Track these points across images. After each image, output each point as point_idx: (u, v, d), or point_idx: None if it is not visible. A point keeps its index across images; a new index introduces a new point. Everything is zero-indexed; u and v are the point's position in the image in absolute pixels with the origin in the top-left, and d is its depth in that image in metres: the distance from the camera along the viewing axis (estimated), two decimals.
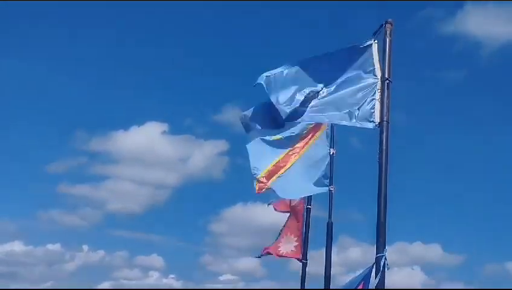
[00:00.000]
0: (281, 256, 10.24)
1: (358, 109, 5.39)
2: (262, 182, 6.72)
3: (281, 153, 7.02)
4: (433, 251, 27.39)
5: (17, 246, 30.42)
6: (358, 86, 5.46)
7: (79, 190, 32.60)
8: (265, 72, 5.64)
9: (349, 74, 5.52)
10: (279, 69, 5.64)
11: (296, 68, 5.63)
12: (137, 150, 31.03)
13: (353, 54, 5.56)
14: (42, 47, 35.38)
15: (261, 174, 6.71)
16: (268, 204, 10.23)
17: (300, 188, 8.14)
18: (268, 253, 10.35)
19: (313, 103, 5.48)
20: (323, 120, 5.98)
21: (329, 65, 5.64)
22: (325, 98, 5.50)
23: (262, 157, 6.72)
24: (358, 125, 5.42)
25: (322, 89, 5.52)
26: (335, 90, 5.51)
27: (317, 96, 5.53)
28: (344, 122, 5.48)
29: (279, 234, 10.32)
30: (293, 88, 5.50)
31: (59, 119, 35.46)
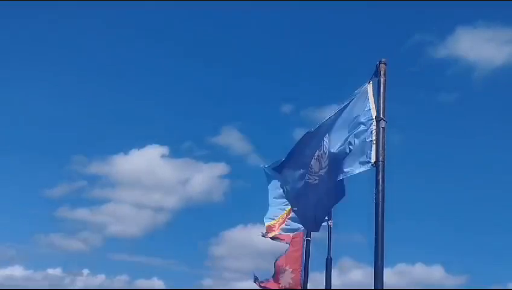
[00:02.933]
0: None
1: (357, 155, 5.46)
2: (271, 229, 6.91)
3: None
4: (435, 272, 27.21)
5: (17, 271, 30.27)
6: (355, 132, 5.53)
7: (78, 214, 32.59)
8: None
9: (348, 122, 5.62)
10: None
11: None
12: (136, 173, 31.08)
13: (350, 101, 5.68)
14: (39, 69, 35.65)
15: (271, 222, 6.89)
16: (263, 235, 10.17)
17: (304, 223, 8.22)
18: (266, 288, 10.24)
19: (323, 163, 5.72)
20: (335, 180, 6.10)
21: (331, 122, 5.85)
22: (329, 157, 5.69)
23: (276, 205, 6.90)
24: (359, 171, 5.50)
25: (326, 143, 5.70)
26: (336, 144, 5.67)
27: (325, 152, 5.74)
28: (345, 175, 5.58)
29: (275, 265, 10.20)
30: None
31: (57, 144, 35.59)
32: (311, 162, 5.86)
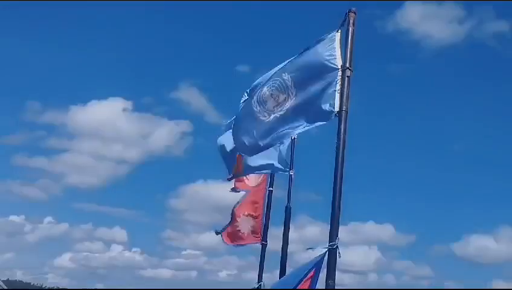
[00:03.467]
0: (239, 244, 10.26)
1: (321, 106, 5.45)
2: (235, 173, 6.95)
3: None
4: (386, 231, 28.16)
5: None
6: (321, 81, 5.48)
7: (36, 163, 32.13)
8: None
9: (313, 68, 5.57)
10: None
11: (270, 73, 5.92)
12: (96, 124, 30.70)
13: (318, 49, 5.60)
14: None
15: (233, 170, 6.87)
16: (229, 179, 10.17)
17: (266, 166, 8.23)
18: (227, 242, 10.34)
19: (280, 111, 5.68)
20: (291, 134, 6.04)
21: (293, 61, 5.77)
22: (290, 106, 5.63)
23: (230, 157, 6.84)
24: (321, 123, 5.50)
25: (285, 81, 5.64)
26: (300, 93, 5.63)
27: (287, 101, 5.70)
28: (308, 127, 5.60)
29: (233, 214, 10.26)
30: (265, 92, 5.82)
31: (11, 89, 34.60)
32: (265, 98, 5.85)
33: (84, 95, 35.40)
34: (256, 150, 6.07)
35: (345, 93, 5.38)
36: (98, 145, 31.95)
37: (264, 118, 5.78)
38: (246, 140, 6.01)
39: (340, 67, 5.43)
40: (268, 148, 6.06)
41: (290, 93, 5.66)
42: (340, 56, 5.47)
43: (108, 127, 31.39)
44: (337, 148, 5.29)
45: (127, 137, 31.93)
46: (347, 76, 5.40)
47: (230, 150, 6.68)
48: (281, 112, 5.68)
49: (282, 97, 5.70)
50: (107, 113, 30.91)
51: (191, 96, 30.81)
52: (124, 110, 31.52)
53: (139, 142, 32.06)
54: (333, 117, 5.38)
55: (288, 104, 5.67)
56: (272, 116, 5.72)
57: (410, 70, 31.60)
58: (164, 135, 32.15)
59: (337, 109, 5.37)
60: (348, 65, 5.42)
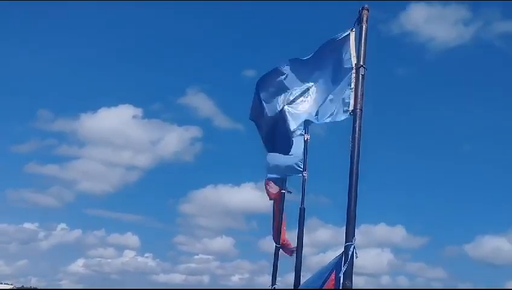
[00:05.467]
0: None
1: (337, 103, 5.45)
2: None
3: None
4: (397, 233, 27.99)
5: None
6: (337, 78, 5.50)
7: (48, 170, 32.27)
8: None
9: (330, 68, 5.59)
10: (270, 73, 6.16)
11: (284, 71, 6.11)
12: (107, 132, 30.83)
13: (333, 48, 5.64)
14: (5, 22, 34.54)
15: None
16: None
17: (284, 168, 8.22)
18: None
19: (299, 105, 5.90)
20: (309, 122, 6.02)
21: (313, 65, 5.89)
22: (309, 101, 5.66)
23: None
24: (337, 119, 5.50)
25: (307, 89, 5.68)
26: (318, 91, 5.74)
27: (304, 96, 5.87)
28: (326, 120, 5.65)
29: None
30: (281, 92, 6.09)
31: (23, 98, 34.81)
32: (288, 95, 5.92)
33: (94, 102, 35.74)
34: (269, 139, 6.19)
35: (359, 91, 5.35)
36: (108, 152, 32.13)
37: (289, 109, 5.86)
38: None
39: (354, 66, 5.40)
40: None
41: (308, 94, 5.75)
42: (354, 55, 5.44)
43: (118, 134, 31.58)
44: (352, 145, 5.25)
45: (137, 143, 32.15)
46: (361, 74, 5.37)
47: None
48: (295, 109, 5.73)
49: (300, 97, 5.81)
50: (117, 120, 31.10)
51: (199, 101, 31.09)
52: (134, 117, 31.68)
53: (149, 149, 32.26)
54: (348, 116, 5.34)
55: (305, 101, 5.71)
56: (286, 107, 5.81)
57: (418, 72, 31.59)
58: (174, 140, 32.34)
59: (351, 107, 5.33)
60: (362, 63, 5.38)
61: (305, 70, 5.83)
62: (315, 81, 5.72)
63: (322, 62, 5.67)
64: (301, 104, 5.78)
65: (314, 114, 5.65)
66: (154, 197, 33.88)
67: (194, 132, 32.19)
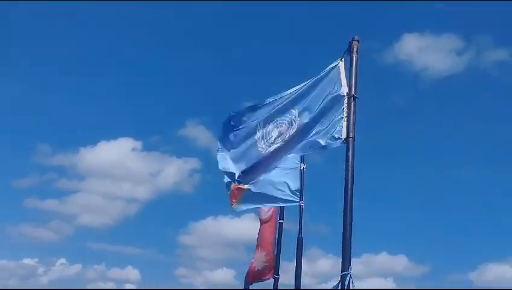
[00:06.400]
0: (254, 281, 10.13)
1: (327, 131, 5.47)
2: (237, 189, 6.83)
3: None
4: (399, 262, 27.71)
5: None
6: (327, 107, 5.54)
7: (47, 204, 32.15)
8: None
9: (319, 97, 5.62)
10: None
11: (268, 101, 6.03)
12: (106, 164, 30.88)
13: (323, 79, 5.70)
14: (4, 55, 34.88)
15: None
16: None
17: (272, 199, 8.18)
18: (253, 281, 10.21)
19: (286, 133, 5.72)
20: (297, 153, 6.06)
21: (301, 95, 5.82)
22: (297, 129, 5.65)
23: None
24: (329, 147, 5.51)
25: (295, 117, 5.70)
26: (305, 118, 5.67)
27: (292, 125, 5.71)
28: (316, 150, 5.64)
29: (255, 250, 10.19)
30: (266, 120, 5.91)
31: (21, 132, 34.93)
32: (269, 130, 5.89)
33: (94, 136, 35.70)
34: (254, 178, 6.09)
35: (351, 120, 5.41)
36: (108, 185, 31.98)
37: (262, 150, 5.82)
38: (244, 167, 6.06)
39: (346, 94, 5.48)
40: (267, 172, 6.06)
41: (294, 123, 5.72)
42: (345, 84, 5.53)
43: (118, 167, 31.50)
44: (346, 174, 5.28)
45: (136, 176, 32.06)
46: (353, 103, 5.44)
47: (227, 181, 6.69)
48: (283, 143, 5.73)
49: (285, 128, 5.77)
50: (116, 153, 31.09)
51: (198, 133, 31.11)
52: (133, 149, 31.69)
53: (148, 181, 32.16)
54: (340, 144, 5.39)
55: (292, 132, 5.71)
56: (273, 147, 5.77)
57: (413, 101, 31.74)
58: (173, 172, 32.26)
59: (344, 136, 5.39)
60: (353, 92, 5.47)
61: (286, 103, 5.86)
62: (301, 112, 5.74)
63: (309, 93, 5.73)
64: (285, 133, 5.75)
65: (304, 145, 5.64)
66: (154, 229, 33.64)
67: (193, 163, 32.21)
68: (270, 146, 5.77)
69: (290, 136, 5.68)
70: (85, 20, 34.67)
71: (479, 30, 31.48)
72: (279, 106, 5.87)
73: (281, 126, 5.79)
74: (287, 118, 5.78)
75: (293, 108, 5.75)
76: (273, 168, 5.87)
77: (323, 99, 5.59)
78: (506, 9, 29.75)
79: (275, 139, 5.77)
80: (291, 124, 5.71)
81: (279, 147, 5.74)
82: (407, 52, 29.14)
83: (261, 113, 6.05)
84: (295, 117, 5.70)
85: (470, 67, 29.54)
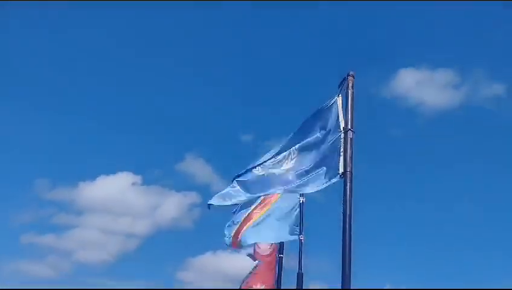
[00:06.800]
0: None
1: (326, 167, 5.51)
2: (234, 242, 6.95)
3: (249, 209, 7.19)
4: None
5: None
6: (325, 142, 5.60)
7: (45, 240, 31.89)
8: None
9: (317, 133, 5.69)
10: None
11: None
12: (105, 199, 30.83)
13: (320, 116, 5.76)
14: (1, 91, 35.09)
15: (231, 239, 6.93)
16: (248, 254, 10.07)
17: (272, 235, 8.19)
18: None
19: (285, 171, 5.68)
20: (297, 191, 6.05)
21: (299, 132, 5.85)
22: (294, 166, 5.67)
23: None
24: (329, 184, 5.53)
25: (293, 155, 5.72)
26: (304, 155, 5.69)
27: (289, 160, 5.72)
28: (316, 188, 5.58)
29: (244, 282, 10.13)
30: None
31: (20, 167, 34.90)
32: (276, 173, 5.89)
33: (93, 171, 35.71)
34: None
35: (348, 154, 5.46)
36: (106, 220, 31.84)
37: (257, 172, 5.80)
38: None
39: (342, 129, 5.55)
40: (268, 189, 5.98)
41: (292, 160, 5.76)
42: (342, 119, 5.61)
43: (117, 202, 31.42)
44: (344, 210, 5.31)
45: (135, 211, 31.94)
46: (350, 138, 5.50)
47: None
48: (280, 171, 5.73)
49: (285, 164, 5.80)
50: (115, 187, 31.05)
51: (197, 167, 31.12)
52: (133, 184, 31.68)
53: (147, 216, 32.05)
54: (338, 178, 5.43)
55: (290, 165, 5.73)
56: (269, 171, 5.76)
57: (411, 135, 31.93)
58: (172, 207, 32.14)
59: (341, 170, 5.43)
60: (349, 127, 5.54)
61: (286, 144, 5.90)
62: (299, 149, 5.78)
63: (306, 129, 5.80)
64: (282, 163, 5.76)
65: (301, 182, 5.65)
66: (153, 264, 33.22)
67: (193, 197, 32.13)
68: (265, 169, 5.77)
69: (289, 171, 5.70)
70: (85, 54, 35.06)
71: (474, 64, 31.91)
72: (280, 149, 5.89)
73: (280, 165, 5.81)
74: (286, 155, 5.81)
75: (292, 146, 5.80)
76: (273, 192, 5.85)
77: (321, 135, 5.66)
78: (500, 44, 30.27)
79: (273, 164, 5.79)
80: (290, 160, 5.75)
81: (275, 174, 5.74)
82: (403, 87, 29.51)
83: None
84: (294, 155, 5.74)
85: (466, 101, 29.86)
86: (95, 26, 34.51)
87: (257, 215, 7.58)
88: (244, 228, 7.29)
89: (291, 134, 5.88)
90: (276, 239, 8.79)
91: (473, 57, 32.05)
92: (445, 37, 32.01)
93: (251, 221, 7.36)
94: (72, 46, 33.55)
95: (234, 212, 7.90)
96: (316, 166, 5.61)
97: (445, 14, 31.74)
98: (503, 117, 30.55)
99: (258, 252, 10.27)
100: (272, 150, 5.80)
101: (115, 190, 30.79)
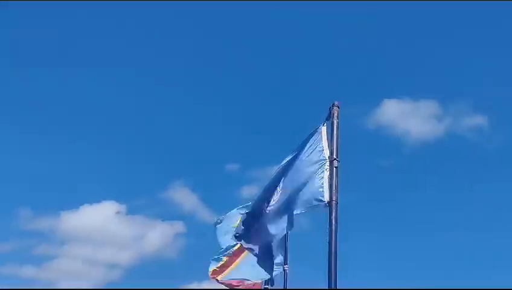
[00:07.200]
0: None
1: (311, 195, 5.53)
2: (215, 273, 7.00)
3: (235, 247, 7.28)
4: None
5: None
6: (309, 169, 5.63)
7: (25, 271, 31.25)
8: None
9: (303, 163, 5.74)
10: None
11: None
12: (88, 229, 30.41)
13: (305, 143, 5.84)
14: None
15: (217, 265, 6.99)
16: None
17: (255, 272, 8.17)
18: None
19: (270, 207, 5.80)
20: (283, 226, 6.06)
21: (286, 164, 5.96)
22: (279, 198, 5.76)
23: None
24: (311, 208, 5.55)
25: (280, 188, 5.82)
26: (289, 185, 5.75)
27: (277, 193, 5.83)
28: (297, 212, 5.60)
29: None
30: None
31: (2, 197, 34.36)
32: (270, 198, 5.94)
33: (76, 200, 35.25)
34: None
35: (333, 183, 5.49)
36: (90, 250, 31.35)
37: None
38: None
39: (327, 158, 5.59)
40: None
41: (278, 192, 5.81)
42: (327, 148, 5.65)
43: (100, 231, 30.98)
44: (329, 239, 5.31)
45: (119, 240, 31.52)
46: (335, 167, 5.54)
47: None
48: (272, 206, 5.77)
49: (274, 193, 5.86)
50: (99, 217, 30.66)
51: (183, 196, 30.94)
52: (117, 213, 31.35)
53: (132, 245, 31.62)
54: (324, 207, 5.44)
55: (278, 197, 5.77)
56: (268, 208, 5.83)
57: (397, 165, 32.25)
58: (157, 236, 31.78)
59: (327, 199, 5.45)
60: (335, 156, 5.58)
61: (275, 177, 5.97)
62: (285, 180, 5.84)
63: (293, 160, 5.87)
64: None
65: (289, 215, 5.68)
66: None
67: (178, 227, 31.86)
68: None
69: (275, 204, 5.75)
70: (69, 80, 34.98)
71: (456, 96, 32.52)
72: (273, 183, 5.95)
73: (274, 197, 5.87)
74: (277, 189, 5.88)
75: (281, 179, 5.86)
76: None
77: (307, 165, 5.69)
78: (482, 76, 30.90)
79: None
80: (277, 193, 5.80)
81: (271, 210, 5.79)
82: (388, 118, 29.89)
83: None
84: (280, 188, 5.80)
85: (449, 132, 30.31)
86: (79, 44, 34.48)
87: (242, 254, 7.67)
88: (226, 271, 7.43)
89: (279, 166, 5.95)
90: (259, 276, 8.74)
91: (455, 88, 32.63)
92: (428, 68, 32.61)
93: (233, 264, 7.48)
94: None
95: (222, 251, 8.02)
96: (303, 194, 5.62)
97: (427, 46, 32.39)
98: (485, 148, 31.01)
99: (244, 283, 10.18)
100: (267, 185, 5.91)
101: (98, 219, 30.44)
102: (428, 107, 29.88)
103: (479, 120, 29.85)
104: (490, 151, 30.48)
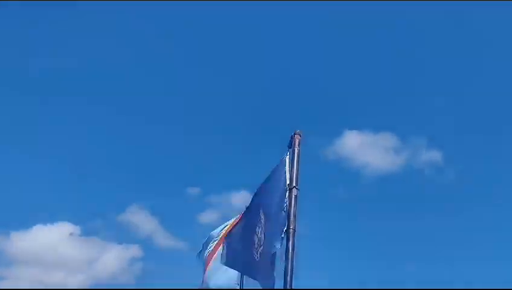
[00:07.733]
0: None
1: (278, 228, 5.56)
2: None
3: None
4: None
5: None
6: (277, 203, 5.66)
7: None
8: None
9: (274, 194, 5.77)
10: None
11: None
12: (39, 250, 29.43)
13: (272, 173, 5.95)
14: None
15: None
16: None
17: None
18: None
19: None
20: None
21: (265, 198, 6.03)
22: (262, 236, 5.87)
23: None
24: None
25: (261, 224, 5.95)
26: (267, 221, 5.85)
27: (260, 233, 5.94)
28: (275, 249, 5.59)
29: None
30: None
31: None
32: (254, 239, 5.97)
33: (29, 220, 34.03)
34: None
35: (292, 212, 5.49)
36: (39, 272, 30.29)
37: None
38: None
39: (287, 186, 5.60)
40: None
41: (261, 224, 5.85)
42: (288, 176, 5.67)
43: (52, 253, 30.00)
44: (286, 266, 5.29)
45: (71, 263, 30.57)
46: (294, 195, 5.55)
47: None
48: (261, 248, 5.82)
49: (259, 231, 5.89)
50: (52, 238, 29.70)
51: (140, 219, 30.35)
52: (71, 234, 30.48)
53: (84, 268, 30.69)
54: (283, 235, 5.44)
55: (261, 234, 5.83)
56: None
57: (356, 195, 32.65)
58: (112, 260, 30.96)
59: (285, 227, 5.45)
60: (294, 184, 5.60)
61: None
62: (262, 208, 5.91)
63: (260, 191, 5.94)
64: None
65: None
66: None
67: (135, 250, 31.15)
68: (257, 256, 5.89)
69: (262, 242, 5.83)
70: (36, 97, 34.24)
71: (413, 131, 33.35)
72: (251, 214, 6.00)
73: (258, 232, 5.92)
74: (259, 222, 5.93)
75: (260, 210, 5.93)
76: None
77: (273, 194, 5.72)
78: (438, 113, 31.76)
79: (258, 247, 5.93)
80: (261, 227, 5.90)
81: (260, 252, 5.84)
82: (348, 149, 30.32)
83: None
84: (262, 219, 5.87)
85: (406, 166, 30.95)
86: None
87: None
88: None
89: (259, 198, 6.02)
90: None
91: (412, 123, 33.44)
92: (387, 102, 33.36)
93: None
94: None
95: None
96: (273, 227, 5.64)
97: (388, 80, 33.15)
98: (440, 183, 31.75)
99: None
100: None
101: (50, 240, 29.51)
102: (387, 140, 30.52)
103: (435, 156, 30.67)
104: (443, 186, 31.30)
